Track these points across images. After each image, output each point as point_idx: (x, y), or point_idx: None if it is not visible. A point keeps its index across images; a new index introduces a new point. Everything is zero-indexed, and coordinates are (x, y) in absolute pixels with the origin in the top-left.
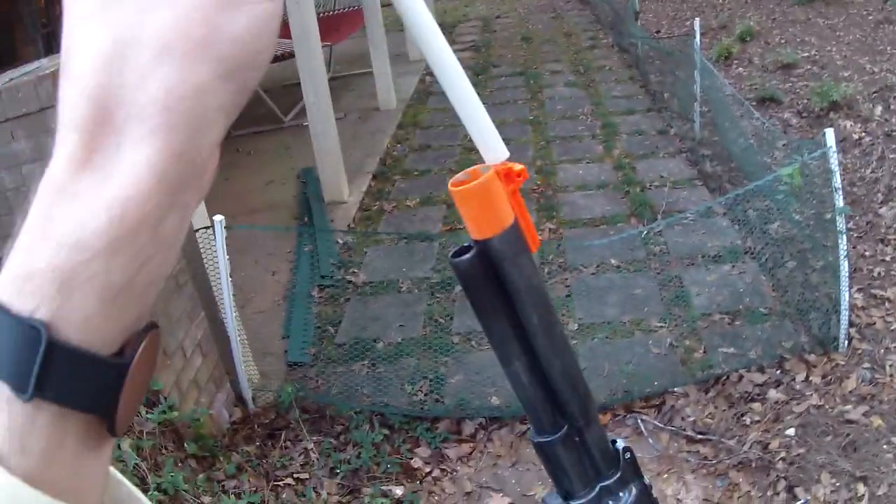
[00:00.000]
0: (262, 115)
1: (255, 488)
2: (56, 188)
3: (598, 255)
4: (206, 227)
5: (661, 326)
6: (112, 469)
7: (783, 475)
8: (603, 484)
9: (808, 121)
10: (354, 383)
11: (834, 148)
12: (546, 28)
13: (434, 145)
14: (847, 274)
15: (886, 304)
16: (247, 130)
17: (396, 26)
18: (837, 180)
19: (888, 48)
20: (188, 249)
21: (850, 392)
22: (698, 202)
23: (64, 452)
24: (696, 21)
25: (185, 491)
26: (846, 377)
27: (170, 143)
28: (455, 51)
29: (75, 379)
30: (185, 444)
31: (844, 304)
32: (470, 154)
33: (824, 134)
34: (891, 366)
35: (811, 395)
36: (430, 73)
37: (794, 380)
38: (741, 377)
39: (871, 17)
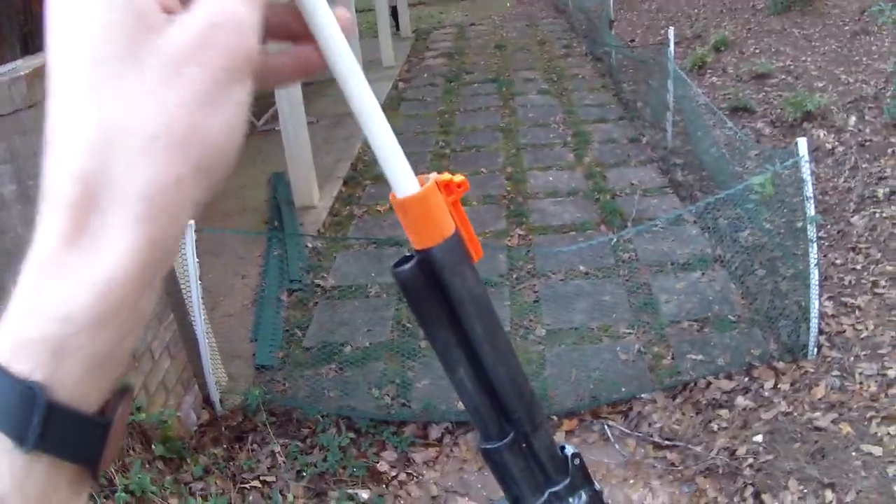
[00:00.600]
0: None
1: (221, 491)
2: (45, 262)
3: (567, 261)
4: None
5: (630, 333)
6: None
7: (750, 482)
8: (552, 490)
9: (781, 130)
10: (322, 387)
11: (806, 157)
12: (520, 36)
13: (406, 151)
14: (817, 282)
15: (856, 312)
16: None
17: (370, 32)
18: (809, 189)
19: (864, 59)
20: None
21: (819, 399)
22: (669, 210)
23: (58, 495)
24: (671, 30)
25: (152, 493)
26: (815, 384)
27: (149, 231)
28: (429, 57)
29: (68, 434)
30: (153, 446)
31: (814, 312)
32: (441, 160)
33: (797, 143)
34: (860, 374)
35: (779, 402)
36: (403, 80)
37: (762, 387)
38: (709, 384)
39: (846, 28)
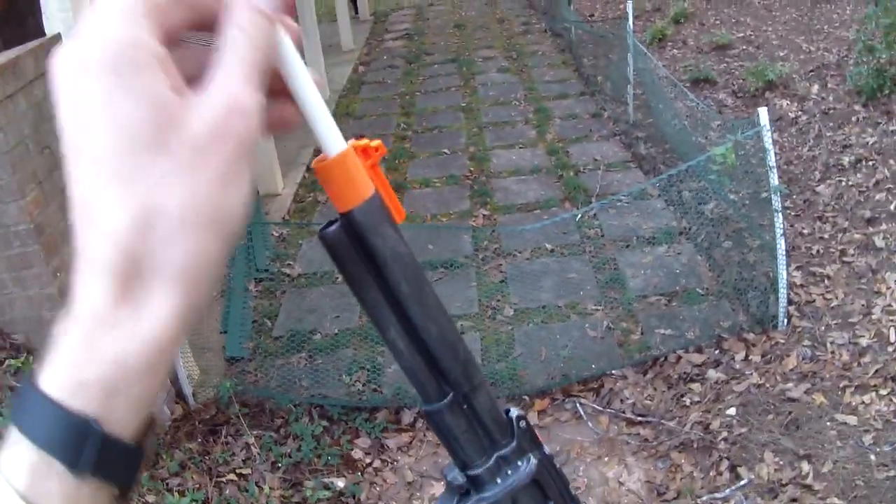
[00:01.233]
0: None
1: (198, 485)
2: (97, 318)
3: (533, 240)
4: None
5: (597, 309)
6: None
7: (725, 455)
8: (500, 453)
9: (743, 101)
10: (293, 376)
11: (767, 127)
12: (479, 15)
13: (367, 134)
14: (784, 252)
15: (826, 281)
16: None
17: (329, 16)
18: (772, 159)
19: (825, 27)
20: None
21: (791, 370)
22: (632, 185)
23: None
24: (629, 4)
25: None
26: (786, 355)
27: (187, 295)
28: (389, 40)
29: (113, 461)
30: None
31: (782, 283)
32: (403, 142)
33: (758, 113)
34: (832, 343)
35: (751, 374)
36: (363, 63)
37: (733, 359)
38: (679, 358)
39: None
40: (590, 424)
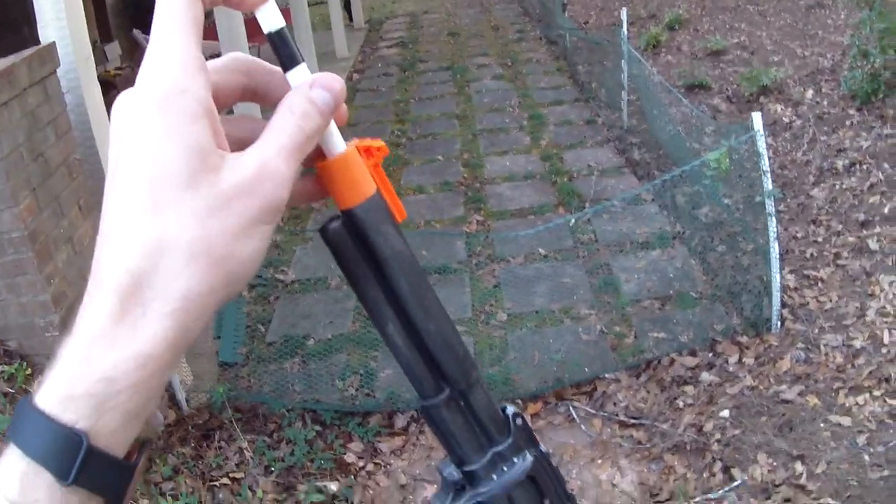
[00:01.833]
0: None
1: (191, 490)
2: (95, 335)
3: (527, 245)
4: None
5: (591, 313)
6: None
7: (719, 457)
8: (496, 450)
9: (737, 106)
10: (286, 381)
11: (761, 131)
12: (473, 22)
13: None
14: (778, 255)
15: (819, 284)
16: None
17: (323, 25)
18: (766, 163)
19: (819, 32)
20: None
21: (785, 372)
22: (627, 190)
23: None
24: (623, 10)
25: None
26: (780, 358)
27: (181, 323)
28: (383, 47)
29: (101, 474)
30: None
31: (776, 286)
32: (397, 149)
33: (751, 118)
34: (825, 345)
35: (745, 376)
36: (358, 71)
37: (726, 362)
38: (673, 361)
39: (802, 2)
40: (583, 427)
